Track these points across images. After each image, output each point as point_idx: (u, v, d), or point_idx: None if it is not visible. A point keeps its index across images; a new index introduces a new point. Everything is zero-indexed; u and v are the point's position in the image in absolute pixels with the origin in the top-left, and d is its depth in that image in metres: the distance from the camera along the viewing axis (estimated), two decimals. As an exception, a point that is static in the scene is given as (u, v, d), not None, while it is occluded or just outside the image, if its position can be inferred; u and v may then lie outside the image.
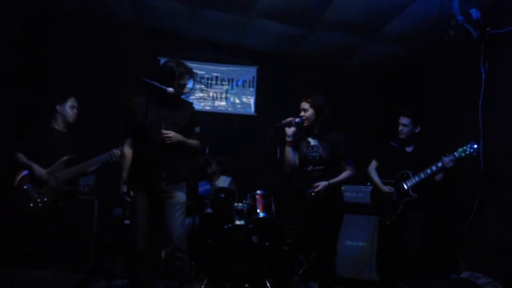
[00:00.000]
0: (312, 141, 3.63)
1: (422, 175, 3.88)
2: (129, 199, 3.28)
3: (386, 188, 4.09)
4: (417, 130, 4.07)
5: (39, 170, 3.69)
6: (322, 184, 3.43)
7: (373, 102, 6.27)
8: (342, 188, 4.99)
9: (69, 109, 3.90)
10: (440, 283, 3.10)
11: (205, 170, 5.39)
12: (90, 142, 4.10)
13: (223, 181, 5.39)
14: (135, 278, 3.36)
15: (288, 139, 3.57)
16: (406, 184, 3.97)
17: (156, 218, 3.37)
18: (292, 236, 3.55)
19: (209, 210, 4.97)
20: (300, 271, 4.93)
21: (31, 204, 3.64)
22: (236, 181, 5.43)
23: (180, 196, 3.37)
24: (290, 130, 3.56)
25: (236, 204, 4.79)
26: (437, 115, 4.78)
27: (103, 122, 4.92)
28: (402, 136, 4.09)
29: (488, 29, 3.80)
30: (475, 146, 3.70)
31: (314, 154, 3.55)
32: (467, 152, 3.70)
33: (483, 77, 3.90)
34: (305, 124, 3.59)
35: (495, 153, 3.76)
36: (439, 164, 3.78)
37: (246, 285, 4.29)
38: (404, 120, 4.06)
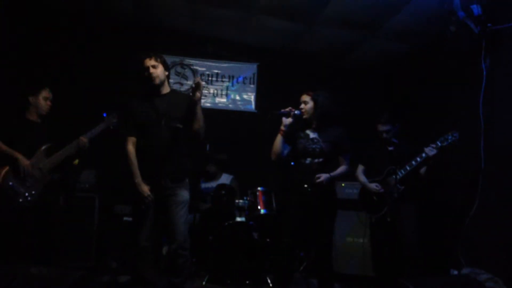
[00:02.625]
0: (312, 134, 3.63)
1: (408, 167, 3.95)
2: (149, 193, 3.24)
3: (373, 185, 4.14)
4: (397, 129, 4.20)
5: (24, 160, 3.62)
6: (324, 176, 3.45)
7: (373, 98, 6.25)
8: (343, 185, 5.09)
9: (43, 100, 3.83)
10: (441, 279, 3.10)
11: (205, 169, 5.40)
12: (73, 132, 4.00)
13: (224, 179, 5.39)
14: (136, 275, 3.37)
15: (283, 128, 3.56)
16: (393, 179, 4.01)
17: (159, 216, 3.37)
18: (289, 234, 3.55)
19: (210, 207, 4.98)
20: (301, 268, 4.93)
21: (20, 199, 3.58)
22: (237, 179, 5.44)
23: (184, 194, 3.35)
24: (287, 120, 3.56)
25: (236, 201, 4.80)
26: (438, 111, 4.78)
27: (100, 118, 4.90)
28: (387, 139, 4.20)
29: (489, 25, 3.79)
30: (456, 134, 3.75)
31: (314, 146, 3.56)
32: (449, 140, 3.76)
33: (484, 73, 3.89)
34: (304, 117, 3.62)
35: (496, 148, 3.75)
36: (423, 155, 3.84)
37: (247, 282, 4.30)
38: (384, 127, 4.15)
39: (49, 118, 3.94)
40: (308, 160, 3.56)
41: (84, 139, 3.82)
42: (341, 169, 3.61)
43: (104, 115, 3.90)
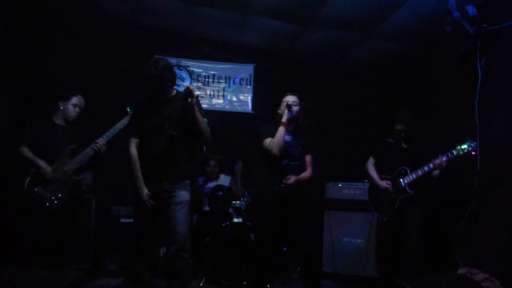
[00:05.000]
0: (287, 137, 3.67)
1: (420, 172, 3.88)
2: (152, 201, 3.27)
3: (384, 183, 4.09)
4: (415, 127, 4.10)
5: (45, 166, 3.66)
6: (293, 178, 3.56)
7: (370, 99, 6.27)
8: (340, 185, 5.09)
9: (71, 107, 3.89)
10: (437, 279, 3.10)
11: (203, 168, 5.39)
12: (89, 137, 4.05)
13: (222, 180, 5.39)
14: (134, 276, 3.37)
15: (285, 120, 3.58)
16: (404, 181, 3.97)
17: (158, 217, 3.37)
18: (269, 234, 3.59)
19: (207, 208, 4.97)
20: (298, 269, 4.94)
21: (47, 204, 3.62)
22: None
23: (183, 195, 3.35)
24: (289, 113, 3.60)
25: (234, 202, 4.80)
26: (435, 112, 4.79)
27: (100, 120, 4.92)
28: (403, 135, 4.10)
29: (484, 25, 3.81)
30: (474, 144, 3.67)
31: (292, 150, 3.62)
32: (465, 151, 3.68)
33: (480, 73, 3.91)
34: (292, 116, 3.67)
35: (492, 149, 3.76)
36: (437, 161, 3.75)
37: (244, 283, 4.30)
38: (401, 126, 4.06)
39: (77, 122, 4.00)
40: (285, 161, 3.60)
41: (99, 142, 3.81)
42: (305, 174, 3.72)
43: (128, 109, 3.88)
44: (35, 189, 3.62)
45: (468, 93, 4.01)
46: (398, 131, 4.07)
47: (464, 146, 3.68)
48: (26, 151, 3.71)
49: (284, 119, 3.56)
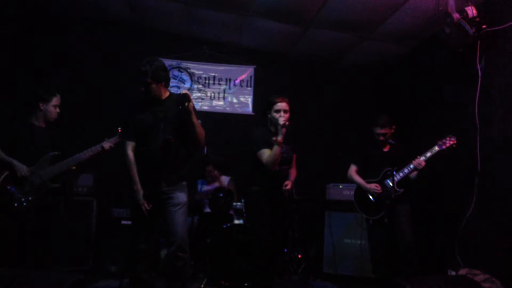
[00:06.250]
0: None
1: (406, 171, 3.97)
2: (148, 205, 3.27)
3: (372, 186, 4.13)
4: (393, 131, 4.22)
5: (20, 166, 3.62)
6: (289, 183, 3.71)
7: (371, 99, 6.28)
8: (341, 186, 5.09)
9: (53, 108, 3.84)
10: (438, 279, 3.10)
11: (203, 169, 5.39)
12: (80, 139, 3.99)
13: (223, 181, 5.38)
14: (135, 277, 3.38)
15: (280, 139, 3.55)
16: (391, 181, 4.00)
17: (157, 218, 3.38)
18: (269, 235, 3.62)
19: (207, 210, 4.98)
20: (300, 270, 4.94)
21: (15, 204, 3.58)
22: (235, 180, 5.43)
23: (181, 196, 3.36)
24: (283, 131, 3.57)
25: (234, 204, 4.80)
26: (435, 112, 4.79)
27: (98, 121, 4.93)
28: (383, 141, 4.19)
29: (484, 26, 3.82)
30: (453, 138, 3.79)
31: (284, 155, 3.66)
32: (447, 145, 3.78)
33: (480, 74, 3.91)
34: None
35: (492, 149, 3.77)
36: (411, 166, 3.90)
37: (245, 284, 4.30)
38: (382, 130, 4.13)
39: (54, 123, 3.94)
40: (278, 166, 3.64)
41: (108, 144, 3.81)
42: (294, 174, 3.88)
43: (119, 130, 3.84)
44: (8, 187, 3.59)
45: (468, 93, 4.02)
46: (377, 135, 4.16)
47: (444, 141, 3.80)
48: (0, 154, 3.66)
49: (280, 138, 3.53)
